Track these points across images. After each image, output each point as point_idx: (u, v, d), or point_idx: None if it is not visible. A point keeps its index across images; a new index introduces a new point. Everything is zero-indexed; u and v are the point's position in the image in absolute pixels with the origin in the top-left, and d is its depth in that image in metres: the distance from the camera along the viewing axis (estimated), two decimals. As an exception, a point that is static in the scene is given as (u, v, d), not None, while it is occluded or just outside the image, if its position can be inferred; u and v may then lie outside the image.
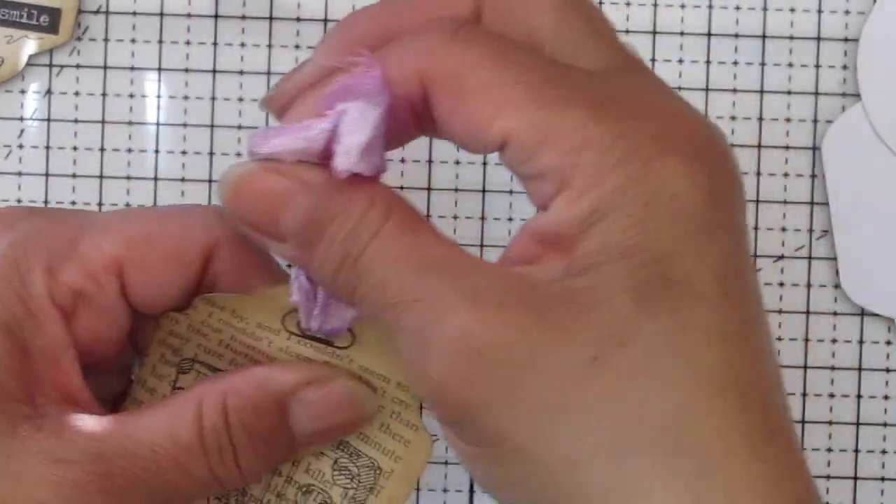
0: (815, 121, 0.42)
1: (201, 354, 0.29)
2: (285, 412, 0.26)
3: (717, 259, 0.23)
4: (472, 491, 0.42)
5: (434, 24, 0.25)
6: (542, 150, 0.23)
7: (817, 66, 0.42)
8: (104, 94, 0.42)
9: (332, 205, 0.24)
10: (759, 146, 0.42)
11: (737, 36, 0.42)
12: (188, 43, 0.42)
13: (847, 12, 0.42)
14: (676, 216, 0.23)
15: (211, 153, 0.42)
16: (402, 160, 0.42)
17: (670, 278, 0.22)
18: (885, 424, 0.42)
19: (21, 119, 0.42)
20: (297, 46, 0.42)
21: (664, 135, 0.23)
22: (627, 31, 0.42)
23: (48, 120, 0.42)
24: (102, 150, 0.42)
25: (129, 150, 0.42)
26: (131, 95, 0.42)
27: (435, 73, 0.24)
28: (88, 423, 0.26)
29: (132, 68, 0.42)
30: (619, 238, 0.22)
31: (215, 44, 0.42)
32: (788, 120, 0.42)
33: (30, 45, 0.41)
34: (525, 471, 0.23)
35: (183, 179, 0.42)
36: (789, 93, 0.42)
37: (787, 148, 0.42)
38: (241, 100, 0.42)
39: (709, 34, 0.42)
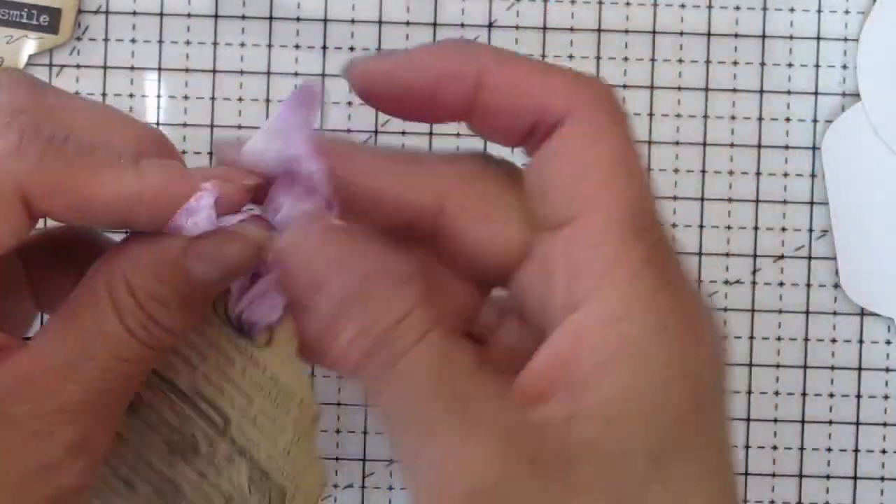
0: (815, 121, 0.42)
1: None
2: (185, 270, 0.27)
3: (722, 436, 0.25)
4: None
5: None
6: (597, 264, 0.24)
7: (817, 66, 0.42)
8: (104, 94, 0.42)
9: (374, 288, 0.24)
10: (759, 146, 0.42)
11: (737, 36, 0.42)
12: (188, 43, 0.42)
13: (847, 12, 0.42)
14: (697, 389, 0.24)
15: (211, 153, 0.42)
16: (402, 160, 0.42)
17: (684, 447, 0.23)
18: (884, 424, 0.42)
19: (21, 119, 0.42)
20: (296, 46, 0.42)
21: (699, 317, 0.24)
22: (627, 32, 0.42)
23: (48, 120, 0.42)
24: (102, 149, 0.42)
25: (129, 150, 0.42)
26: (131, 95, 0.42)
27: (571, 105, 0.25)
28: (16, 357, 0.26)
29: (132, 68, 0.42)
30: (647, 391, 0.23)
31: (215, 44, 0.42)
32: (788, 120, 0.42)
33: (30, 44, 0.41)
34: None
35: (183, 179, 0.42)
36: (789, 93, 0.42)
37: (786, 148, 0.42)
38: (240, 100, 0.42)
39: (709, 34, 0.42)
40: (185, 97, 0.42)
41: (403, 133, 0.42)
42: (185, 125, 0.42)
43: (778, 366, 0.42)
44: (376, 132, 0.42)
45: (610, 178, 0.24)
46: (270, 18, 0.42)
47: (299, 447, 0.29)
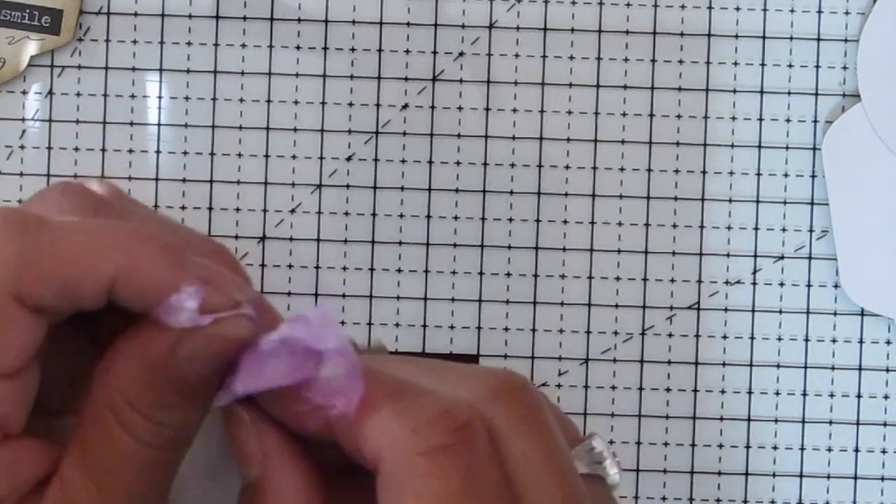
0: (815, 121, 0.42)
1: None
2: (176, 371, 0.26)
3: None
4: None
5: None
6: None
7: (817, 66, 0.42)
8: (105, 95, 0.42)
9: None
10: (760, 146, 0.42)
11: (737, 36, 0.42)
12: (189, 44, 0.42)
13: (847, 12, 0.42)
14: None
15: (212, 153, 0.42)
16: (403, 160, 0.42)
17: None
18: (884, 424, 0.42)
19: (22, 120, 0.42)
20: (297, 47, 0.42)
21: None
22: (628, 32, 0.42)
23: (49, 121, 0.42)
24: (104, 150, 0.42)
25: (131, 151, 0.42)
26: (132, 96, 0.42)
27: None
28: None
29: (133, 69, 0.42)
30: None
31: (216, 44, 0.42)
32: (788, 120, 0.42)
33: (31, 45, 0.41)
34: None
35: (184, 180, 0.42)
36: (789, 93, 0.42)
37: (787, 148, 0.42)
38: (241, 100, 0.42)
39: (709, 34, 0.42)
40: (186, 98, 0.42)
41: (404, 134, 0.42)
42: (185, 126, 0.42)
43: (778, 366, 0.42)
44: (377, 132, 0.42)
45: None
46: (271, 19, 0.42)
47: None
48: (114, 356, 0.26)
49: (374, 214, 0.42)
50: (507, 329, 0.42)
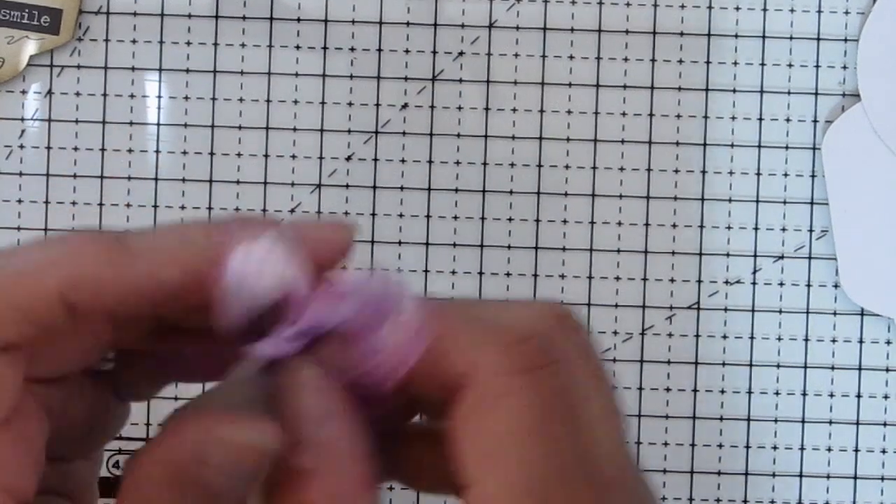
0: (815, 120, 0.42)
1: None
2: (203, 484, 0.25)
3: None
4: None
5: None
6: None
7: (817, 66, 0.42)
8: (105, 95, 0.42)
9: None
10: (760, 146, 0.42)
11: (737, 36, 0.42)
12: (189, 43, 0.42)
13: (847, 12, 0.42)
14: None
15: (211, 153, 0.42)
16: (403, 160, 0.42)
17: None
18: (884, 424, 0.42)
19: (22, 119, 0.42)
20: (297, 47, 0.42)
21: None
22: (627, 32, 0.42)
23: (49, 120, 0.42)
24: (103, 150, 0.42)
25: (130, 151, 0.42)
26: (132, 96, 0.42)
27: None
28: None
29: (133, 69, 0.42)
30: None
31: (216, 44, 0.42)
32: (788, 120, 0.42)
33: (31, 45, 0.41)
34: None
35: (183, 179, 0.42)
36: (789, 93, 0.42)
37: (786, 148, 0.42)
38: (241, 100, 0.42)
39: (709, 34, 0.42)
40: (186, 98, 0.42)
41: (404, 133, 0.42)
42: (185, 126, 0.42)
43: (778, 365, 0.42)
44: (376, 132, 0.42)
45: (497, 450, 0.23)
46: (271, 19, 0.42)
47: None
48: (139, 459, 0.25)
49: (373, 214, 0.42)
50: (506, 329, 0.42)
